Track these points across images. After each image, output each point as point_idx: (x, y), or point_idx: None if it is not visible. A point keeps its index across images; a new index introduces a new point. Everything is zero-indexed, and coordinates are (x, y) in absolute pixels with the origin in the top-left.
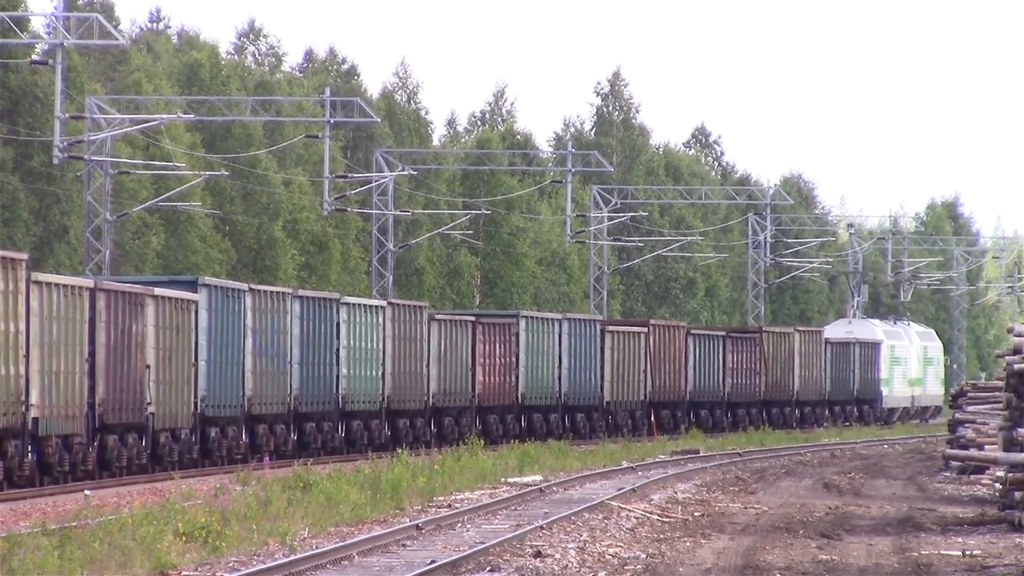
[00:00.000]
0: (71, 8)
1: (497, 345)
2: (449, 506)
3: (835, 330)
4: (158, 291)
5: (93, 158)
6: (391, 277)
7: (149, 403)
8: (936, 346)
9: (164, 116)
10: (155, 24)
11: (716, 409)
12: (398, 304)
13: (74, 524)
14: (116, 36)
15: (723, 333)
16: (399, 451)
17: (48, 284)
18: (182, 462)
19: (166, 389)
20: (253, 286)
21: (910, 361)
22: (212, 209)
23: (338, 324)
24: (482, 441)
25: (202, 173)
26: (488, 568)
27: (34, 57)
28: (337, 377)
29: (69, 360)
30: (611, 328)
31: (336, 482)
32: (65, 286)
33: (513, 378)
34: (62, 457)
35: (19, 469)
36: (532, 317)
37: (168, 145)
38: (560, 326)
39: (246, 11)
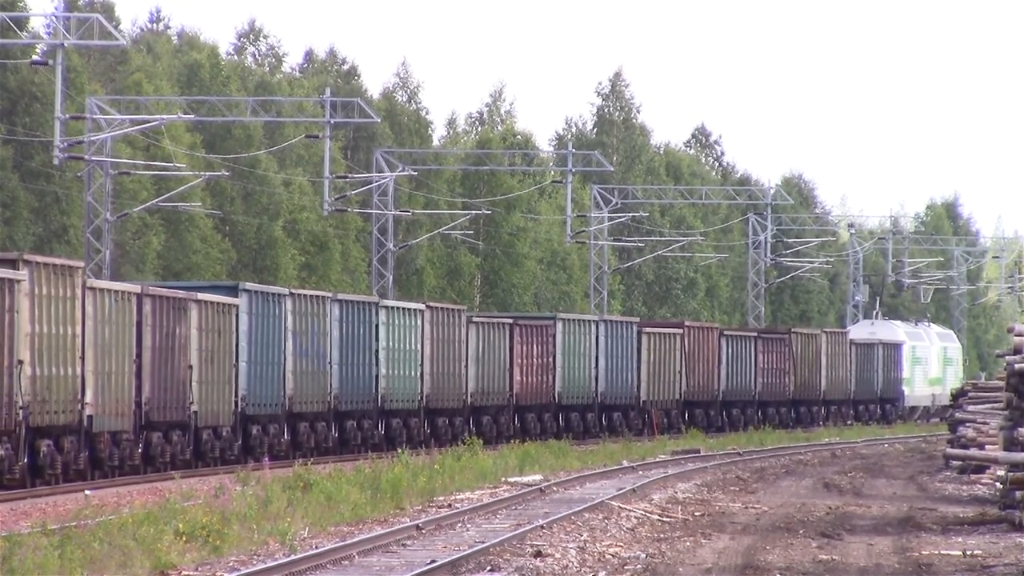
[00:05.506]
0: (71, 8)
1: (534, 346)
2: (449, 506)
3: (859, 331)
4: (201, 296)
5: (93, 158)
6: (391, 277)
7: (192, 402)
8: (955, 347)
9: (164, 116)
10: (155, 24)
11: (748, 408)
12: (436, 307)
13: (74, 524)
14: (116, 36)
15: (754, 334)
16: (399, 451)
17: (101, 290)
18: (224, 458)
19: (208, 389)
20: (293, 290)
21: (930, 361)
22: (212, 209)
23: (377, 326)
24: (522, 438)
25: (202, 173)
26: (488, 568)
27: (34, 57)
28: (376, 377)
29: (119, 361)
30: (648, 329)
31: (336, 482)
32: (116, 291)
33: (550, 378)
34: (111, 453)
35: (75, 463)
36: (569, 319)
37: (168, 145)
38: (596, 328)
39: (246, 11)
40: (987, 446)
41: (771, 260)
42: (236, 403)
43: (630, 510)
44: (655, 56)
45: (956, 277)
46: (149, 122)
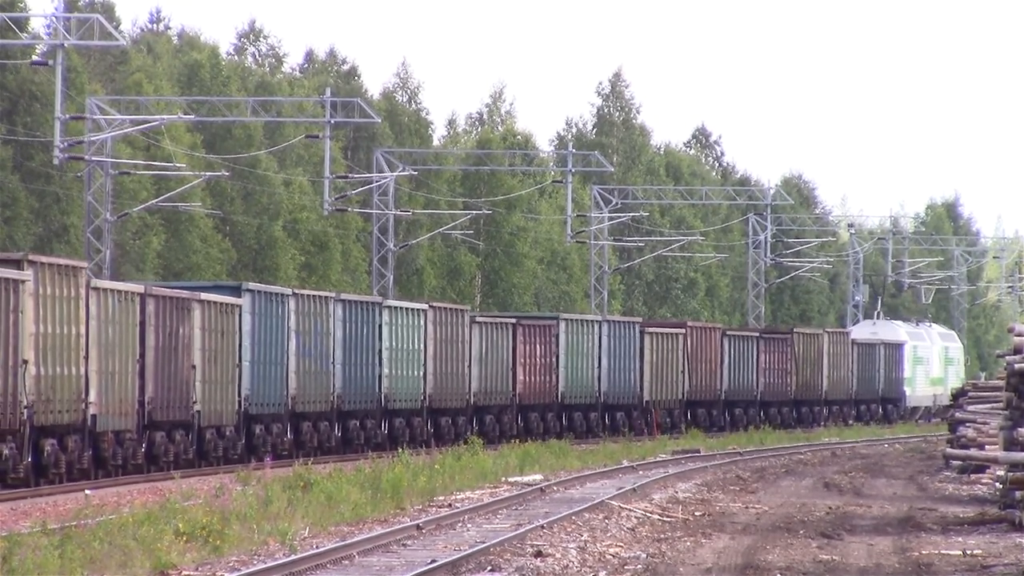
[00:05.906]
0: (71, 8)
1: (537, 346)
2: (450, 506)
3: (861, 331)
4: (204, 296)
5: (93, 158)
6: (391, 277)
7: (195, 401)
8: (956, 347)
9: (164, 117)
10: (155, 25)
11: (750, 408)
12: (439, 307)
13: (74, 524)
14: (116, 37)
15: (756, 334)
16: (399, 451)
17: (104, 290)
18: (227, 458)
19: (211, 388)
20: (297, 290)
21: (932, 361)
22: (212, 209)
23: (380, 326)
24: (525, 437)
25: (202, 174)
26: (489, 568)
27: (34, 58)
28: (380, 377)
29: (122, 361)
30: (650, 330)
31: (336, 482)
32: (119, 291)
33: (553, 378)
34: (115, 452)
35: (79, 463)
36: (572, 319)
37: (168, 146)
38: (600, 328)
39: (246, 11)
40: (987, 446)
41: (771, 260)
42: (239, 403)
43: (630, 510)
44: (655, 56)
45: (956, 277)
46: (149, 122)
